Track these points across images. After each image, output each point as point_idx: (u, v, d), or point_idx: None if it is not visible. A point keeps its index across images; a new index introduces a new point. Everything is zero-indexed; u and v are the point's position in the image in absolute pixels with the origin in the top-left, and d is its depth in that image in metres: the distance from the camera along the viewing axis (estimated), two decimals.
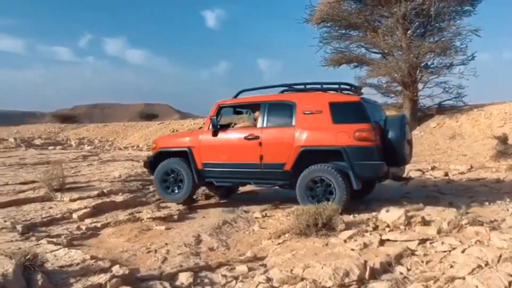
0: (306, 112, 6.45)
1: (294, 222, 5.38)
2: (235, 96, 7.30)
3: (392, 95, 17.96)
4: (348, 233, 5.23)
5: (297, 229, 5.33)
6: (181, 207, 6.95)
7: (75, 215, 6.09)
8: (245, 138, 6.77)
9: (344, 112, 6.31)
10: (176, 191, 7.22)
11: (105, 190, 7.17)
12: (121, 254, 4.75)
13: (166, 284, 3.83)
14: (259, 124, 6.81)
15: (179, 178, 7.20)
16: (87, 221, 6.00)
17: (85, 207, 6.36)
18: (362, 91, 7.48)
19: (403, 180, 7.15)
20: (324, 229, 5.29)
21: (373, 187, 7.44)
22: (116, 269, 3.85)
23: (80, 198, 6.77)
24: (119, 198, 6.96)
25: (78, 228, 5.66)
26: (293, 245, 5.06)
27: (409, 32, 16.81)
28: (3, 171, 8.55)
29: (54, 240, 4.95)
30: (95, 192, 7.03)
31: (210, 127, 7.07)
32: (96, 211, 6.39)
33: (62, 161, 10.15)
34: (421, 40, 16.42)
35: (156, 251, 4.82)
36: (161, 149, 7.51)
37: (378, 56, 17.54)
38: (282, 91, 7.11)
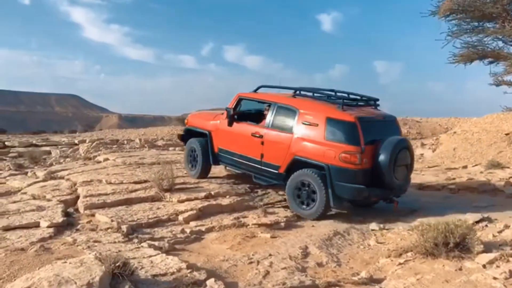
0: (305, 123, 6.46)
1: (419, 240, 4.56)
2: (255, 90, 7.62)
3: None
4: (488, 256, 4.30)
5: (423, 247, 4.51)
6: (289, 213, 6.46)
7: (180, 217, 5.93)
8: (252, 134, 7.05)
9: (337, 130, 6.20)
10: (194, 168, 7.99)
11: (212, 192, 6.94)
12: (221, 263, 4.38)
13: None
14: (265, 123, 6.98)
15: (197, 157, 7.92)
16: (192, 224, 5.80)
17: (191, 209, 6.18)
18: (378, 102, 7.16)
19: (390, 202, 6.68)
20: (456, 250, 4.42)
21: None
22: (210, 283, 3.47)
23: (187, 200, 6.62)
24: (225, 201, 6.69)
25: (183, 231, 5.47)
26: (417, 267, 4.27)
27: None
28: (122, 169, 8.83)
29: (156, 243, 4.78)
30: (203, 194, 6.84)
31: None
32: (202, 214, 6.17)
33: (178, 161, 10.26)
34: None
35: (258, 262, 4.38)
36: (189, 127, 8.38)
37: None
38: (293, 95, 7.20)
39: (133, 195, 6.77)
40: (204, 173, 7.97)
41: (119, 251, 4.16)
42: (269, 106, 7.10)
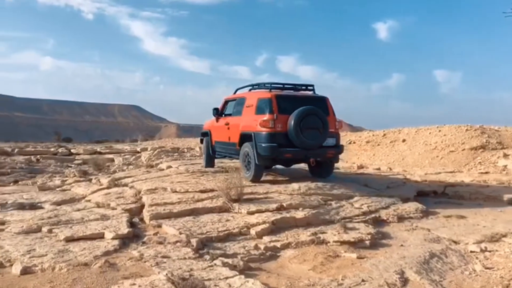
0: (248, 106, 8.43)
1: None
2: (234, 93, 9.73)
3: None
4: None
5: None
6: (371, 230, 5.73)
7: (252, 231, 5.37)
8: (225, 124, 9.23)
9: (262, 106, 7.94)
10: (204, 160, 10.34)
11: (284, 204, 6.35)
12: None
13: None
14: (233, 114, 9.18)
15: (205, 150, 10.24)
16: (266, 238, 5.22)
17: (264, 222, 5.61)
18: (313, 87, 8.73)
19: (312, 161, 8.08)
20: None
21: (330, 168, 8.66)
22: None
23: (258, 211, 6.06)
24: (299, 213, 6.07)
25: (256, 247, 4.90)
26: None
27: None
28: (186, 177, 8.48)
29: (230, 261, 4.23)
30: (274, 205, 6.27)
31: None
32: (275, 228, 5.59)
33: (241, 169, 9.78)
34: None
35: None
36: (202, 130, 10.66)
37: None
38: (250, 89, 9.08)
39: (200, 204, 6.31)
40: (209, 163, 10.14)
41: (191, 269, 3.65)
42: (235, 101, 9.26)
